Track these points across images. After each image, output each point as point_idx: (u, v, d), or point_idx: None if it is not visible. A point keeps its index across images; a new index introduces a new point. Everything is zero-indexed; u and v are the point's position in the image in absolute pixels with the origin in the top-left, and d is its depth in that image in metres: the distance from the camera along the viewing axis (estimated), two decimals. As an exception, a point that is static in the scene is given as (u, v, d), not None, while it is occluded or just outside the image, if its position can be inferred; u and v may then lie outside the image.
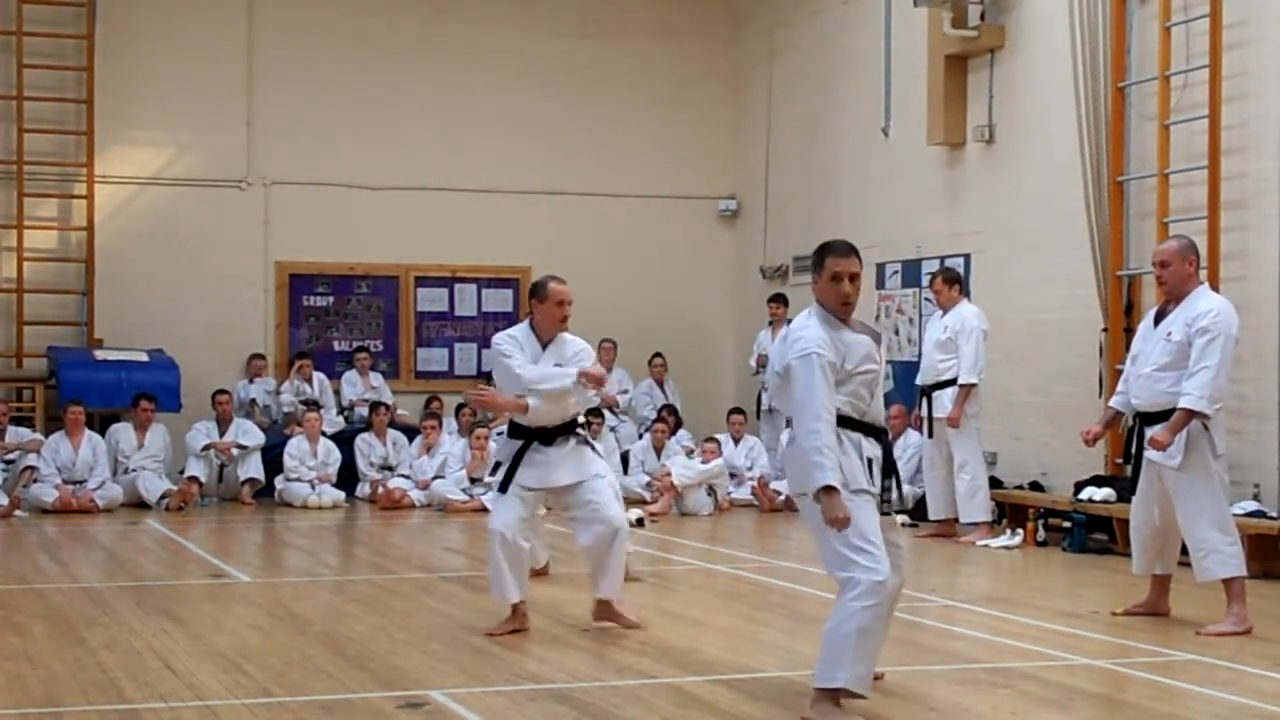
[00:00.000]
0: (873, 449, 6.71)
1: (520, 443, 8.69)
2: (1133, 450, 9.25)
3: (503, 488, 8.70)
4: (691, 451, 16.71)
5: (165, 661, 7.80)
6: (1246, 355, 9.97)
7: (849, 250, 6.80)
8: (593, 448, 8.92)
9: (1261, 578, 10.39)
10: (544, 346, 8.80)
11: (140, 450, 16.48)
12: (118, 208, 18.17)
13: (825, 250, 6.83)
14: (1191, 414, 8.76)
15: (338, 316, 18.99)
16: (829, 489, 6.42)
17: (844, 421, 6.61)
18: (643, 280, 19.52)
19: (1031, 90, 14.79)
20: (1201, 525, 8.88)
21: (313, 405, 17.41)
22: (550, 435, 8.67)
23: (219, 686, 7.20)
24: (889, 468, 6.77)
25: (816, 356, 6.53)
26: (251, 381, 17.96)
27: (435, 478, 16.49)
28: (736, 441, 17.05)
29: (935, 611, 9.56)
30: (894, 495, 6.78)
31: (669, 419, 17.40)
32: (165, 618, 9.19)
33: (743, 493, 16.56)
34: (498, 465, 8.88)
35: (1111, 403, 9.69)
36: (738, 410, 17.43)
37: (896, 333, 16.50)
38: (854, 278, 6.74)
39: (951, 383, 13.17)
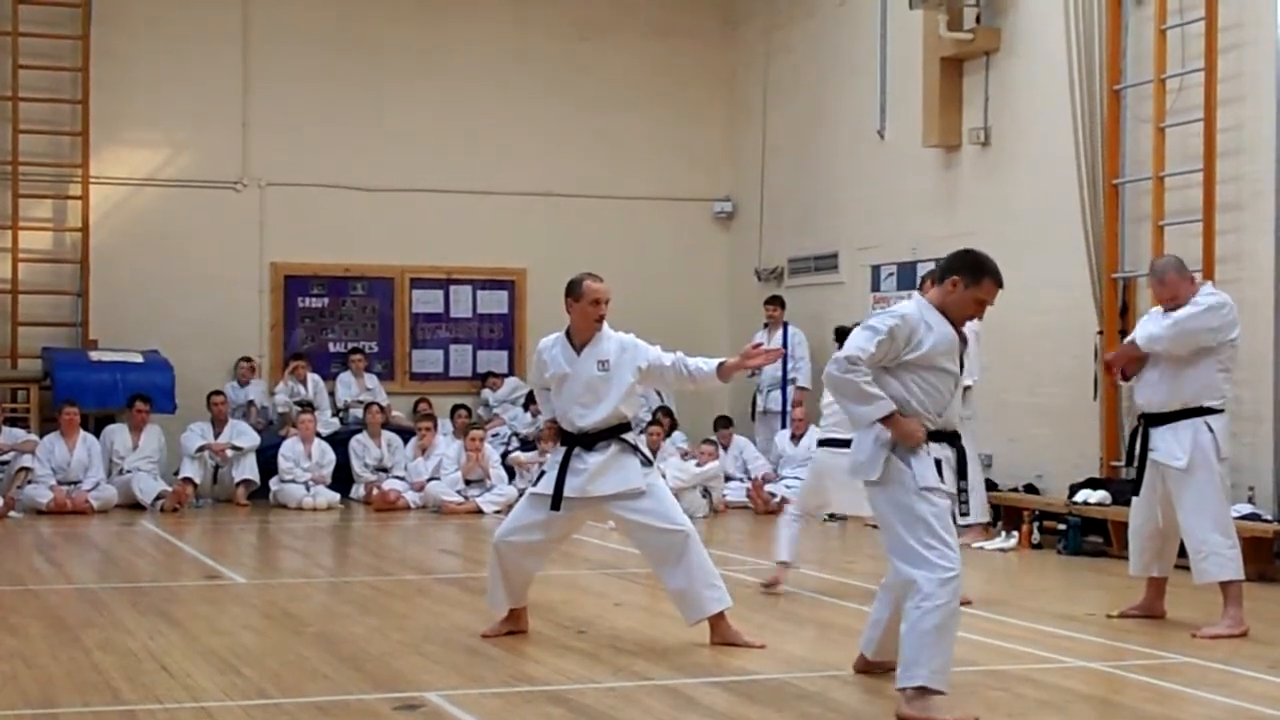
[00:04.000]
0: (942, 450, 6.76)
1: (565, 450, 8.34)
2: (1136, 452, 9.27)
3: (554, 503, 8.24)
4: (687, 454, 16.71)
5: (161, 663, 7.79)
6: (1242, 358, 9.97)
7: (1001, 281, 6.89)
8: (644, 456, 8.44)
9: (1257, 580, 10.40)
10: (579, 349, 8.45)
11: (135, 451, 16.46)
12: (113, 208, 18.16)
13: (984, 271, 6.84)
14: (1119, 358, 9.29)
15: (333, 318, 18.98)
16: (887, 418, 6.59)
17: None
18: (638, 282, 19.42)
19: (1027, 93, 14.81)
20: (1203, 527, 8.90)
21: (307, 407, 17.40)
22: (592, 440, 8.33)
23: (214, 688, 7.19)
24: (962, 470, 6.81)
25: (892, 325, 6.69)
26: (243, 385, 17.92)
27: (430, 479, 16.49)
28: (725, 448, 17.04)
29: (931, 613, 9.54)
30: (966, 499, 6.81)
31: (664, 421, 17.37)
32: (161, 619, 9.18)
33: (738, 495, 16.57)
34: (543, 474, 8.46)
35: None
36: (725, 423, 17.32)
37: (892, 335, 16.48)
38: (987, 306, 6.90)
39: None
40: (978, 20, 15.14)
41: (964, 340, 6.92)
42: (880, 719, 6.69)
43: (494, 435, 17.71)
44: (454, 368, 19.37)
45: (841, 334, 11.31)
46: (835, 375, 6.77)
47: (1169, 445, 8.96)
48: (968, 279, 6.80)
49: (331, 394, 18.33)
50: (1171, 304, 9.08)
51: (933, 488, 6.62)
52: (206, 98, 18.39)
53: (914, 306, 6.86)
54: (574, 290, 8.56)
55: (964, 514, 6.80)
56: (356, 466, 17.15)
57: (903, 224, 16.40)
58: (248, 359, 18.15)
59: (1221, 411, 9.03)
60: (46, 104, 17.87)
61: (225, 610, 9.66)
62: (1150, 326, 9.12)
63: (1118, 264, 13.43)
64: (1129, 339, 9.42)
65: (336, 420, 18.04)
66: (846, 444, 10.07)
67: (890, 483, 6.67)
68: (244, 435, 16.92)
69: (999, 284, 6.85)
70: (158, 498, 16.11)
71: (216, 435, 16.86)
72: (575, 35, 19.58)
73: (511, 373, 19.27)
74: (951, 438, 6.81)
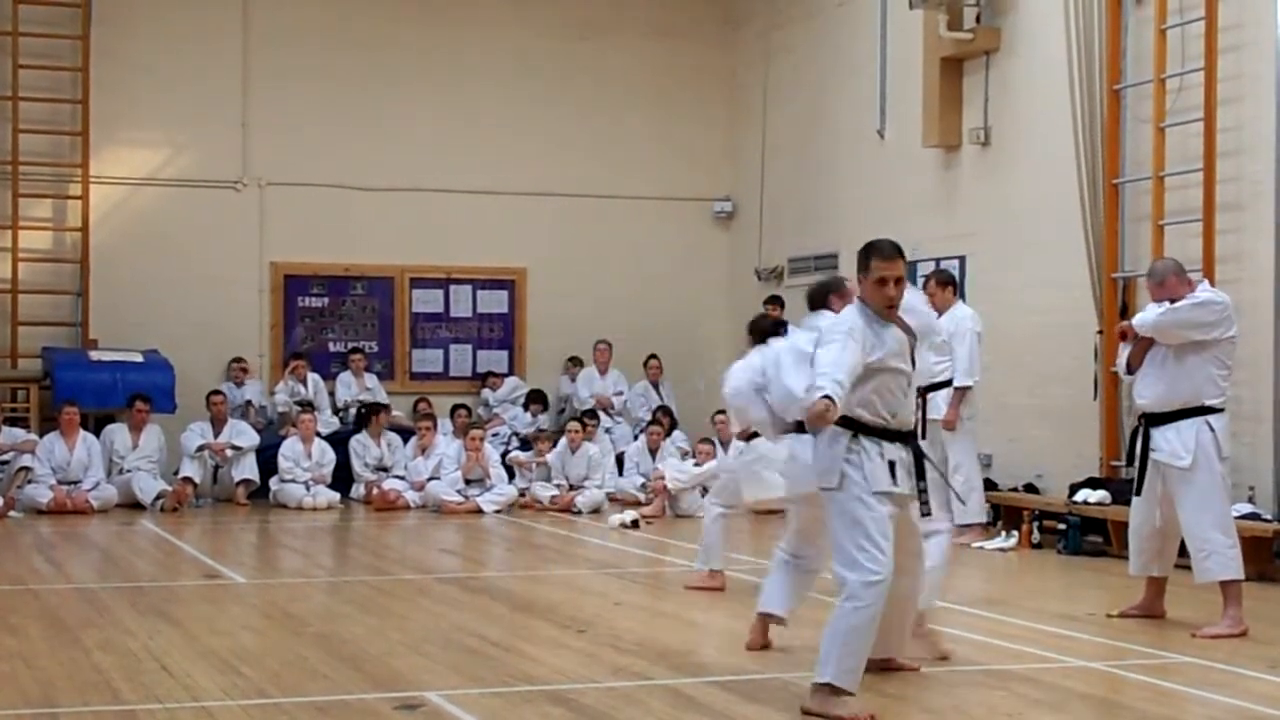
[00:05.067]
0: (897, 452, 6.84)
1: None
2: (1137, 451, 9.27)
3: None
4: (687, 454, 16.70)
5: (161, 662, 7.79)
6: (1242, 357, 9.98)
7: (895, 252, 6.91)
8: None
9: (1256, 580, 10.39)
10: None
11: (135, 451, 16.45)
12: (113, 208, 18.15)
13: (870, 252, 6.94)
14: (1130, 328, 9.28)
15: (333, 317, 18.97)
16: (825, 397, 6.51)
17: (867, 428, 6.83)
18: (638, 282, 19.51)
19: (1027, 93, 14.80)
20: (1204, 526, 8.92)
21: (307, 406, 17.39)
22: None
23: (214, 687, 7.19)
24: (920, 470, 6.88)
25: (849, 332, 6.75)
26: (238, 385, 17.89)
27: (430, 479, 16.48)
28: (725, 444, 17.02)
29: (930, 613, 9.54)
30: (927, 498, 6.87)
31: (664, 420, 17.40)
32: (160, 619, 9.18)
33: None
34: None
35: None
36: (723, 410, 17.34)
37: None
38: (899, 281, 6.89)
39: (947, 384, 13.17)
40: (978, 20, 15.13)
41: (911, 336, 7.00)
42: (880, 717, 6.69)
43: (494, 435, 17.71)
44: (454, 367, 19.37)
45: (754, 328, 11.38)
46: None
47: (1171, 445, 8.98)
48: (861, 270, 6.95)
49: (331, 394, 18.32)
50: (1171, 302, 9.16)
51: (884, 492, 6.73)
52: (206, 97, 18.38)
53: (849, 318, 6.92)
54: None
55: (925, 513, 6.82)
56: (356, 466, 17.14)
57: (903, 224, 16.32)
58: (240, 359, 18.11)
59: (1222, 410, 9.05)
60: (46, 104, 17.86)
61: (225, 610, 9.65)
62: (1145, 313, 9.20)
63: (1118, 264, 13.42)
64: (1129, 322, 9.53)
65: (336, 420, 18.04)
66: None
67: (843, 489, 6.78)
68: (244, 435, 16.91)
69: (886, 254, 6.90)
70: (158, 497, 16.11)
71: (216, 435, 16.85)
72: (575, 35, 19.57)
73: (511, 372, 19.26)
74: (906, 438, 6.90)
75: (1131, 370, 9.33)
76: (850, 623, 6.64)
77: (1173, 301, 9.10)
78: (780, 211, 18.95)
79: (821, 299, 8.39)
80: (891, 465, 6.78)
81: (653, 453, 16.94)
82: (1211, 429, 8.94)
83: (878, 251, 6.92)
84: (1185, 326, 8.99)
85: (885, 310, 6.90)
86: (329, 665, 7.77)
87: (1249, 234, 12.22)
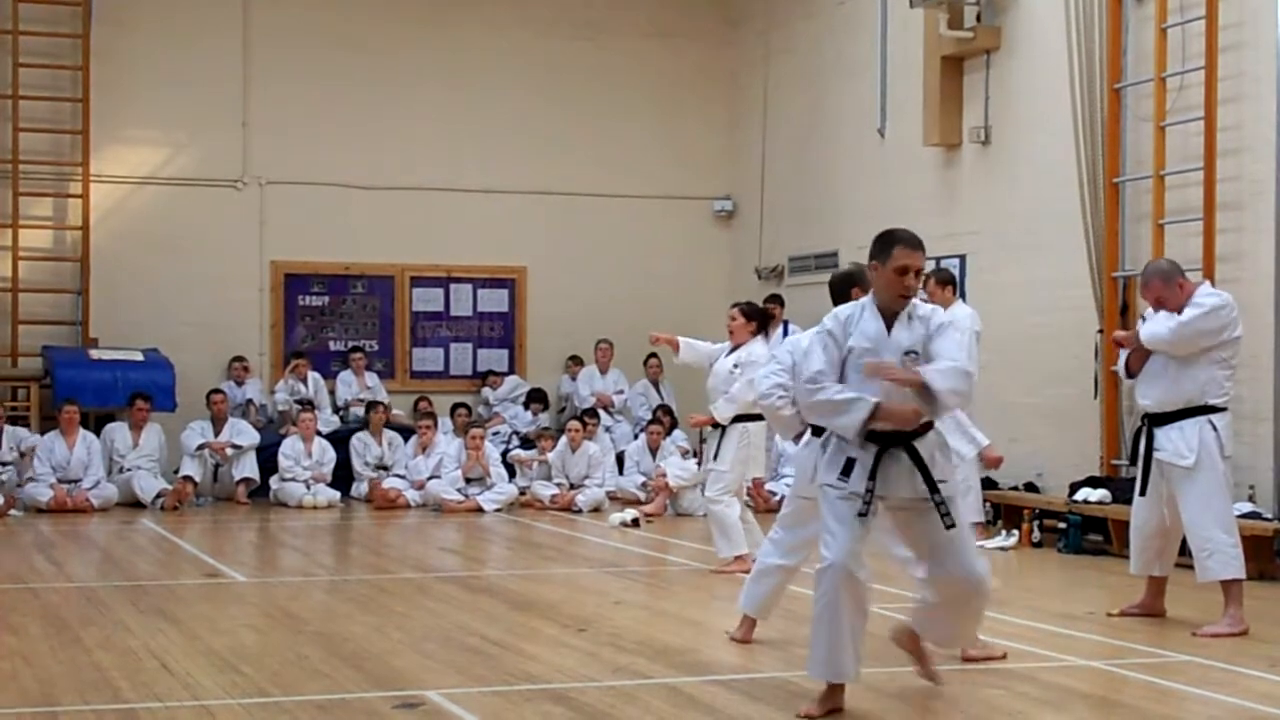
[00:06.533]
0: (859, 452, 6.61)
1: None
2: (1140, 451, 9.27)
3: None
4: (687, 452, 16.70)
5: (161, 661, 7.80)
6: (1242, 357, 9.95)
7: (919, 243, 6.77)
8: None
9: (1257, 579, 10.39)
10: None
11: (135, 450, 16.46)
12: (113, 207, 18.15)
13: (892, 239, 6.74)
14: (1127, 338, 9.30)
15: (333, 316, 18.97)
16: (875, 406, 6.47)
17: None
18: (638, 281, 19.51)
19: (1027, 91, 14.80)
20: (1207, 525, 8.92)
21: (308, 405, 17.40)
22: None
23: (215, 686, 7.19)
24: (873, 472, 6.57)
25: (828, 327, 6.76)
26: (239, 384, 17.89)
27: (430, 478, 16.48)
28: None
29: (931, 612, 9.54)
30: (870, 500, 6.58)
31: (664, 420, 17.39)
32: (161, 617, 9.18)
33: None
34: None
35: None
36: None
37: (892, 334, 16.46)
38: (918, 273, 6.72)
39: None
40: (978, 19, 15.13)
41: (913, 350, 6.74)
42: (879, 716, 6.69)
43: (494, 434, 17.72)
44: (454, 366, 19.37)
45: (749, 312, 11.52)
46: (806, 403, 6.77)
47: (1175, 444, 8.98)
48: (880, 257, 6.73)
49: (332, 392, 18.33)
50: (1158, 306, 9.12)
51: (829, 484, 6.66)
52: (207, 96, 18.37)
53: (851, 305, 6.90)
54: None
55: (861, 514, 6.54)
56: (357, 465, 17.14)
57: (903, 223, 15.96)
58: (240, 358, 18.12)
59: (1225, 410, 9.04)
60: (47, 102, 17.86)
61: (225, 609, 9.65)
62: (1153, 325, 9.12)
63: (1118, 263, 13.42)
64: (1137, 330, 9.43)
65: (337, 418, 18.04)
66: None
67: (817, 481, 6.84)
68: (244, 434, 16.91)
69: (911, 245, 6.72)
70: (158, 496, 16.11)
71: (216, 434, 16.85)
72: (576, 35, 19.57)
73: (511, 371, 19.26)
74: (885, 438, 6.56)
75: (1131, 374, 9.31)
76: (815, 612, 6.63)
77: (1159, 303, 9.07)
78: (780, 211, 18.95)
79: (844, 292, 8.17)
80: (849, 462, 6.58)
81: (653, 452, 16.94)
82: (1214, 428, 8.94)
83: (902, 240, 6.71)
84: (1199, 337, 8.95)
85: (898, 300, 6.68)
86: (329, 664, 7.77)
87: (1249, 233, 12.22)
